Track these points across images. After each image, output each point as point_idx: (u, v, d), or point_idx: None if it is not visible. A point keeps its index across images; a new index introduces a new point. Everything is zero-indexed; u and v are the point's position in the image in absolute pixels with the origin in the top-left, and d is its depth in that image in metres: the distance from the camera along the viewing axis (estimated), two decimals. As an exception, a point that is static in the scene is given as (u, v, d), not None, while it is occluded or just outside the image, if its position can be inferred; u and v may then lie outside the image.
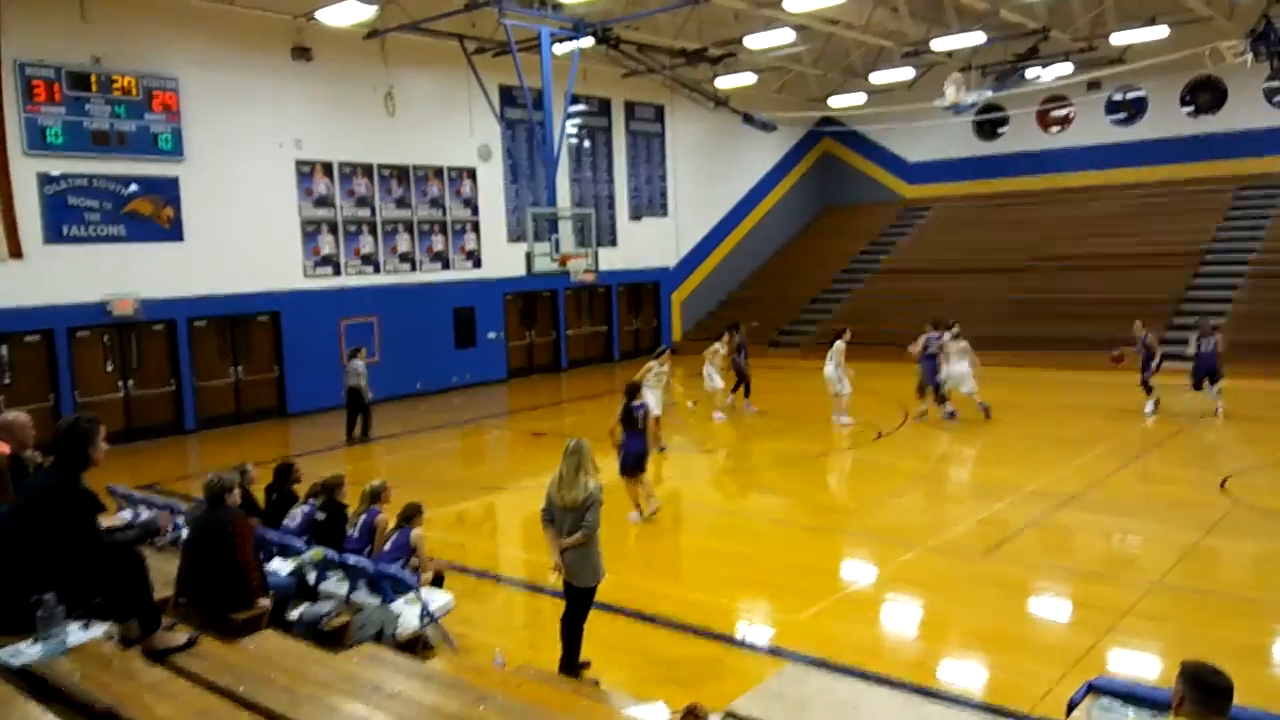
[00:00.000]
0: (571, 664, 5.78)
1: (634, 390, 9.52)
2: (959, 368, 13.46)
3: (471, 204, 19.70)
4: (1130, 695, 3.85)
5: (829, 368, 13.72)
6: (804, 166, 29.00)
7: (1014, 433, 13.23)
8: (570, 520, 5.72)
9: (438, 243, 19.11)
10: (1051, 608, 7.23)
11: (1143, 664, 6.10)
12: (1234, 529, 8.59)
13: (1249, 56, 16.75)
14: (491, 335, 20.15)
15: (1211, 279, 19.86)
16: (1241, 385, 14.69)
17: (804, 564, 8.21)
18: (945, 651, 6.39)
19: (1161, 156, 23.42)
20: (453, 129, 19.04)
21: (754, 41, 18.89)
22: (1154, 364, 13.52)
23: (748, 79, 22.43)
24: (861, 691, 5.55)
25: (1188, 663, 3.09)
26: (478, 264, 19.84)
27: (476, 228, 19.81)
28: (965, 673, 6.08)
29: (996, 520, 9.12)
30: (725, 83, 22.16)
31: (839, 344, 13.70)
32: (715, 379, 14.63)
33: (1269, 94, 21.87)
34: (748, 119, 21.99)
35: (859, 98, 25.18)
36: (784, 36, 18.68)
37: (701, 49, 19.98)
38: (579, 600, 5.80)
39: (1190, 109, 23.22)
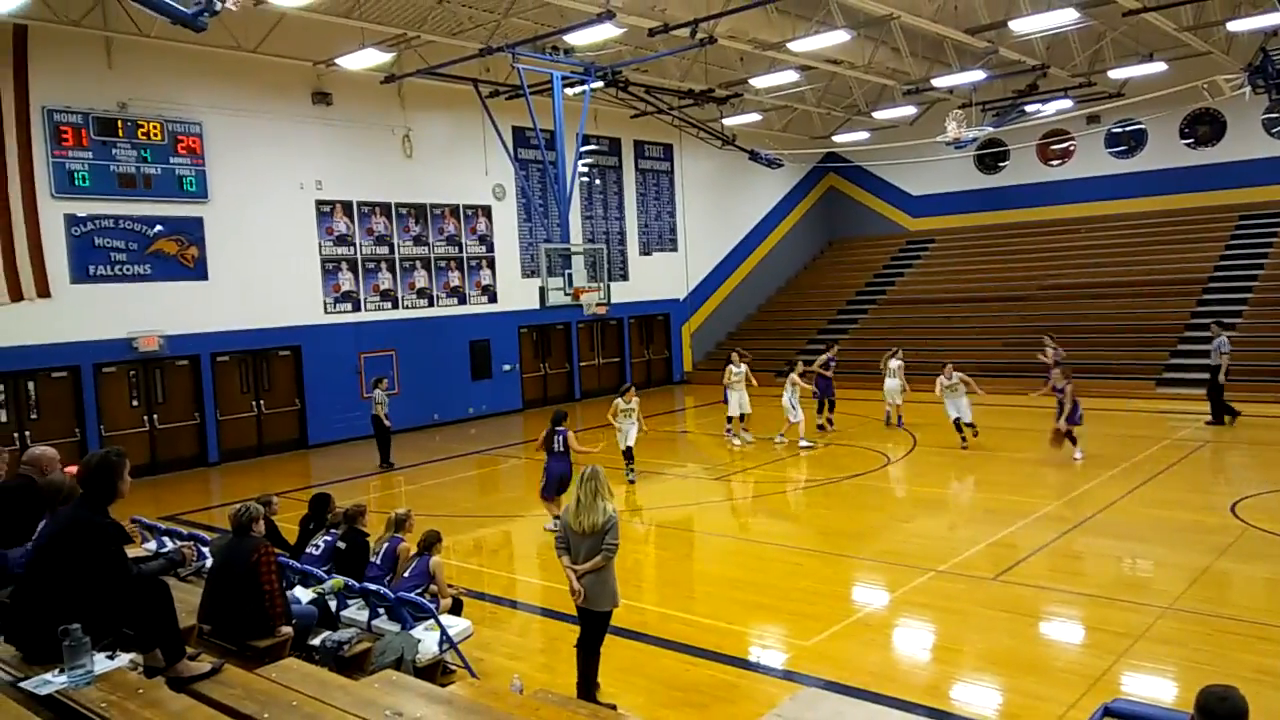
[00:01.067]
0: (589, 688, 5.86)
1: (560, 418, 10.42)
2: (891, 383, 15.52)
3: (487, 241, 20.07)
4: (1146, 719, 3.86)
5: (785, 397, 14.60)
6: (810, 201, 29.34)
7: (1021, 458, 13.29)
8: (589, 545, 5.82)
9: (454, 278, 19.45)
10: (1065, 631, 7.24)
11: (1158, 688, 6.11)
12: (1246, 553, 8.59)
13: (1247, 90, 17.00)
14: (507, 367, 20.39)
15: (1214, 307, 19.89)
16: (1246, 410, 14.73)
17: (816, 588, 8.27)
18: (959, 675, 6.41)
19: (1162, 187, 23.59)
20: (468, 169, 19.48)
21: (759, 82, 19.34)
22: (1069, 412, 12.44)
23: (754, 118, 22.90)
24: (875, 715, 5.58)
25: (1201, 689, 3.08)
26: (493, 299, 20.15)
27: (492, 264, 20.16)
28: (979, 696, 6.09)
29: (1007, 544, 9.15)
30: (732, 122, 22.60)
31: (793, 375, 14.74)
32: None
33: (1268, 125, 22.08)
34: (754, 156, 22.38)
35: (862, 134, 25.64)
36: (788, 77, 19.11)
37: (708, 90, 20.40)
38: (596, 625, 5.89)
39: (1190, 141, 23.45)
